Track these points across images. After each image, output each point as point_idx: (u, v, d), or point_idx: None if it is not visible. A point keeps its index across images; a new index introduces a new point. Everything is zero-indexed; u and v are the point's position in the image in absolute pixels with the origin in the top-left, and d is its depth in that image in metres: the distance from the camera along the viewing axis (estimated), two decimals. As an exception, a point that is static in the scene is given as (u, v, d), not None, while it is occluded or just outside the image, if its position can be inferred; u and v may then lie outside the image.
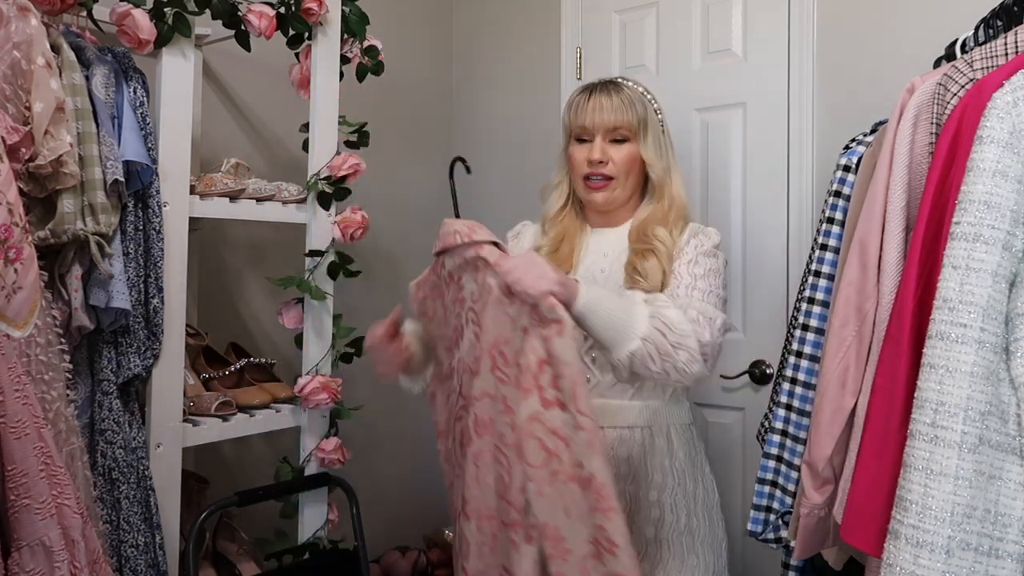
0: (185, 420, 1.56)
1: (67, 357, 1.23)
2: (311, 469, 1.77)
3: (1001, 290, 0.92)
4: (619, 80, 1.49)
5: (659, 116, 1.49)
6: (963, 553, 0.91)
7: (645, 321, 1.20)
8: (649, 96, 1.49)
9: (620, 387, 1.42)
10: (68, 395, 1.22)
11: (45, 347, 1.15)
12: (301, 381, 1.72)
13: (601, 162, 1.44)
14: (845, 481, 1.17)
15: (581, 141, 1.47)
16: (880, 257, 1.16)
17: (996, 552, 0.92)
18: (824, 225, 1.37)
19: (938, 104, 1.13)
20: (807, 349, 1.35)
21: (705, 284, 1.37)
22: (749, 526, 1.41)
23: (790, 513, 1.36)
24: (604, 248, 1.50)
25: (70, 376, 1.23)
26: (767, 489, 1.41)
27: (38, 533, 0.99)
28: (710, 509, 1.47)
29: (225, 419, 1.64)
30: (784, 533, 1.38)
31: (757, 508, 1.42)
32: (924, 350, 0.95)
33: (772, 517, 1.40)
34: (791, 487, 1.36)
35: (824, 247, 1.36)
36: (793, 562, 1.44)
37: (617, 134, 1.45)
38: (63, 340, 1.22)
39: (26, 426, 0.99)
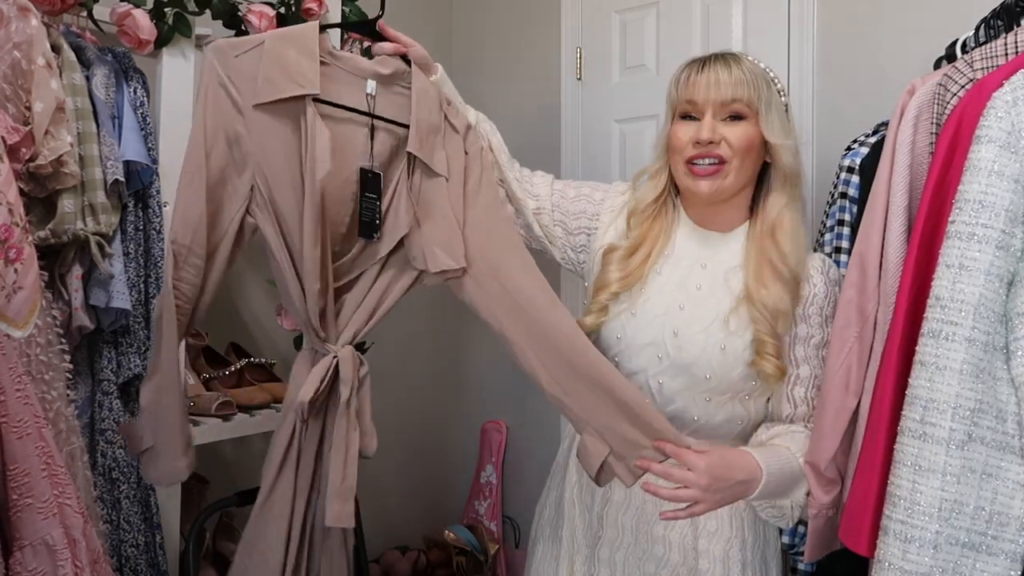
0: (185, 420, 1.56)
1: (67, 357, 1.23)
2: (311, 469, 1.77)
3: (995, 289, 0.93)
4: (738, 53, 1.28)
5: (783, 99, 1.27)
6: (950, 548, 0.92)
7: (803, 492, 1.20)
8: (772, 75, 1.27)
9: (679, 422, 1.26)
10: (68, 395, 1.22)
11: (45, 347, 1.15)
12: (302, 382, 1.71)
13: (712, 142, 1.21)
14: (848, 482, 1.17)
15: (687, 119, 1.25)
16: (882, 257, 1.17)
17: (988, 548, 0.93)
18: (836, 228, 1.37)
19: (938, 104, 1.13)
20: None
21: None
22: (784, 539, 1.36)
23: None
24: (704, 257, 1.28)
25: (70, 376, 1.23)
26: None
27: (40, 532, 0.99)
28: (768, 562, 1.31)
29: (225, 419, 1.64)
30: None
31: None
32: (916, 348, 0.96)
33: (802, 528, 1.36)
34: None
35: (838, 250, 1.36)
36: (802, 566, 1.44)
37: (732, 110, 1.22)
38: (63, 340, 1.22)
39: (27, 426, 0.99)
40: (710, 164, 1.22)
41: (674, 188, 1.33)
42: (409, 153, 1.29)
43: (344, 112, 1.28)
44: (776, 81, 1.27)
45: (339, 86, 1.29)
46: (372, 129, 1.30)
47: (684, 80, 1.25)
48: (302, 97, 1.22)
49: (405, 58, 1.33)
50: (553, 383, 1.27)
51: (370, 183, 1.30)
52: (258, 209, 1.25)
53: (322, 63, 1.26)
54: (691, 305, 1.25)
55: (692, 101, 1.24)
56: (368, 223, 1.30)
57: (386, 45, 1.32)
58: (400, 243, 1.31)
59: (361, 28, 1.41)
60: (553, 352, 1.28)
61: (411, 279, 1.33)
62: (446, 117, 1.34)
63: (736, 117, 1.22)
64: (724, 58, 1.24)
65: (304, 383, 1.26)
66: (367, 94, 1.30)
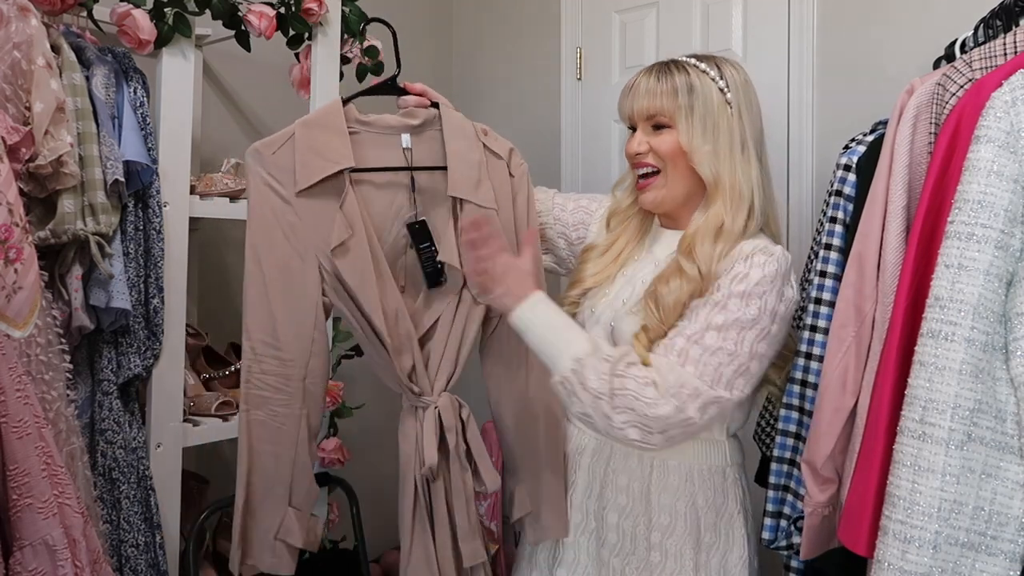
0: (185, 420, 1.56)
1: (67, 357, 1.23)
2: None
3: (994, 289, 0.93)
4: (681, 60, 1.29)
5: (725, 95, 1.25)
6: (950, 548, 0.92)
7: (569, 361, 1.13)
8: (712, 74, 1.26)
9: None
10: (68, 395, 1.22)
11: (45, 347, 1.15)
12: (302, 382, 1.72)
13: (639, 153, 1.28)
14: (846, 481, 1.17)
15: (632, 131, 1.32)
16: (880, 257, 1.17)
17: (987, 549, 0.93)
18: (828, 225, 1.37)
19: (937, 104, 1.13)
20: (816, 351, 1.31)
21: (714, 340, 1.13)
22: (764, 535, 1.37)
23: (803, 518, 1.34)
24: (659, 254, 1.32)
25: (70, 376, 1.23)
26: (779, 495, 1.37)
27: (40, 532, 0.99)
28: (728, 569, 1.29)
29: (225, 419, 1.64)
30: (797, 539, 1.36)
31: (770, 515, 1.37)
32: (916, 348, 0.96)
33: (784, 523, 1.37)
34: (803, 491, 1.35)
35: (828, 247, 1.35)
36: (794, 563, 1.44)
37: (654, 121, 1.27)
38: (63, 340, 1.22)
39: (28, 426, 0.99)
40: (647, 175, 1.29)
41: None
42: (451, 195, 1.31)
43: (385, 173, 1.33)
44: (718, 80, 1.26)
45: (375, 149, 1.33)
46: (412, 182, 1.34)
47: (620, 97, 1.33)
48: (340, 173, 1.27)
49: (434, 103, 1.37)
50: (513, 438, 1.40)
51: (419, 234, 1.33)
52: (328, 288, 1.30)
53: (353, 132, 1.32)
54: (631, 301, 1.29)
55: (626, 114, 1.32)
56: (432, 272, 1.33)
57: (409, 98, 1.37)
58: (464, 282, 1.33)
59: (382, 89, 1.44)
60: (525, 417, 1.38)
61: (483, 311, 1.36)
62: (485, 146, 1.36)
63: (660, 127, 1.27)
64: (656, 68, 1.29)
65: (420, 444, 1.30)
66: (403, 148, 1.33)
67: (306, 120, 1.31)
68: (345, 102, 1.34)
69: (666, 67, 1.28)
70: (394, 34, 1.46)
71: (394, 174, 1.34)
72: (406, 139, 1.34)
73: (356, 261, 1.27)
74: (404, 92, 1.39)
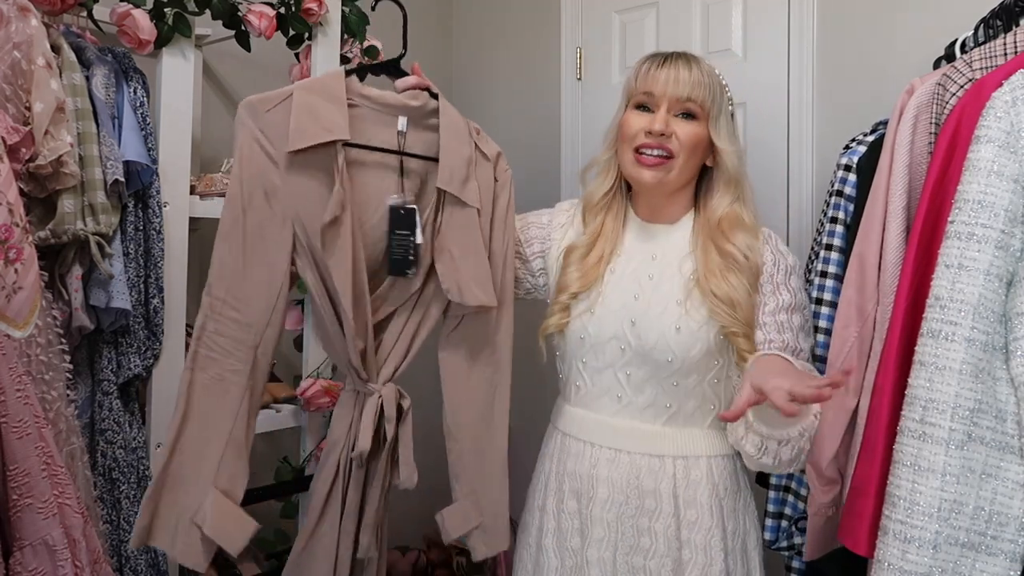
0: (185, 420, 1.56)
1: (67, 357, 1.23)
2: (311, 469, 1.77)
3: (994, 289, 0.93)
4: (698, 56, 1.31)
5: (731, 108, 1.32)
6: (950, 548, 0.92)
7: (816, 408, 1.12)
8: (725, 82, 1.31)
9: (653, 410, 1.28)
10: (68, 395, 1.22)
11: (45, 347, 1.16)
12: (303, 384, 1.72)
13: (663, 134, 1.24)
14: (847, 481, 1.17)
15: (641, 109, 1.28)
16: (880, 257, 1.17)
17: (987, 548, 0.93)
18: (828, 225, 1.37)
19: (937, 104, 1.13)
20: (817, 351, 1.32)
21: (807, 342, 1.24)
22: (766, 535, 1.37)
23: (804, 518, 1.35)
24: (653, 249, 1.31)
25: (70, 376, 1.23)
26: (780, 495, 1.38)
27: (40, 532, 0.99)
28: (748, 551, 1.31)
29: (225, 419, 1.64)
30: (798, 540, 1.36)
31: (771, 515, 1.38)
32: (916, 348, 0.96)
33: (785, 524, 1.38)
34: (804, 492, 1.35)
35: (829, 247, 1.36)
36: (796, 564, 1.44)
37: (685, 108, 1.26)
38: (63, 340, 1.22)
39: (28, 426, 0.99)
40: (657, 155, 1.26)
41: (624, 184, 1.36)
42: (439, 187, 1.30)
43: (376, 152, 1.31)
44: (727, 88, 1.31)
45: (370, 126, 1.31)
46: (402, 166, 1.32)
47: (644, 72, 1.29)
48: (333, 143, 1.24)
49: (431, 92, 1.35)
50: (468, 441, 1.38)
51: (402, 219, 1.31)
52: (298, 256, 1.27)
53: (352, 105, 1.29)
54: (645, 294, 1.29)
55: (650, 93, 1.27)
56: (399, 260, 1.31)
57: (409, 79, 1.36)
58: (430, 276, 1.32)
59: (384, 68, 1.42)
60: (480, 421, 1.37)
61: (442, 309, 1.35)
62: (477, 146, 1.35)
63: (688, 115, 1.26)
64: (685, 57, 1.28)
65: (354, 429, 1.29)
66: (398, 131, 1.32)
67: (306, 84, 1.27)
68: (348, 74, 1.31)
69: (692, 58, 1.29)
70: (404, 15, 1.44)
71: (384, 155, 1.32)
72: (402, 122, 1.32)
73: (340, 240, 1.24)
74: (404, 75, 1.38)
